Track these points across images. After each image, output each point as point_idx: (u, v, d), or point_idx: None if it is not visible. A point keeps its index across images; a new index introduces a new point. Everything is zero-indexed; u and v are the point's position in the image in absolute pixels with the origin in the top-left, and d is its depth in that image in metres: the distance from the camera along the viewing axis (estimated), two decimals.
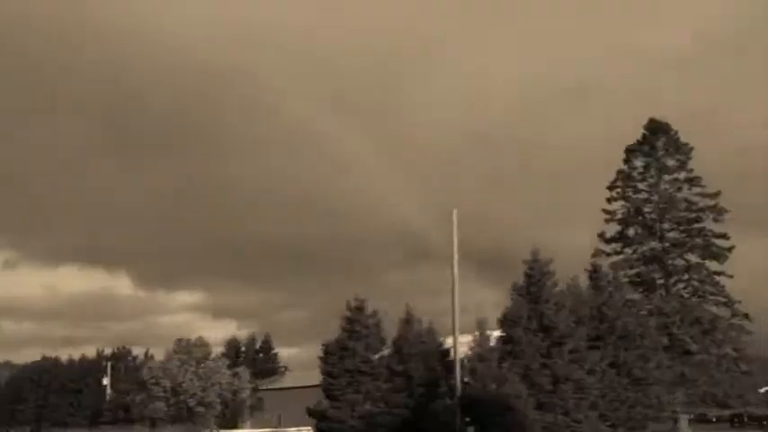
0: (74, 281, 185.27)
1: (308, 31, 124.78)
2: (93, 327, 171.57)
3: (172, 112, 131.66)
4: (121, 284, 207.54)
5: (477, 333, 30.28)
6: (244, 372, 54.16)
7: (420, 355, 32.00)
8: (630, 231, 43.73)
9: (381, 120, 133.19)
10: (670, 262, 43.00)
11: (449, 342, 31.51)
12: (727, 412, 60.74)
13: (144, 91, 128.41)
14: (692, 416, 41.76)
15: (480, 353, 29.83)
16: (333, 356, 32.94)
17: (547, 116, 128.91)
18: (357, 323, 33.25)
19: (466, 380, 29.64)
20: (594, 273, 36.17)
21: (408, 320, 33.25)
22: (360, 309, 33.82)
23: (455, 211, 30.58)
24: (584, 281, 35.97)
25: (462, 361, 29.87)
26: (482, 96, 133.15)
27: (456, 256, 29.94)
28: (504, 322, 32.07)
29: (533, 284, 32.89)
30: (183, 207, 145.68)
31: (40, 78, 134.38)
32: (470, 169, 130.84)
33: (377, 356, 33.15)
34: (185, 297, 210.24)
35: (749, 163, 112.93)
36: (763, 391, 73.83)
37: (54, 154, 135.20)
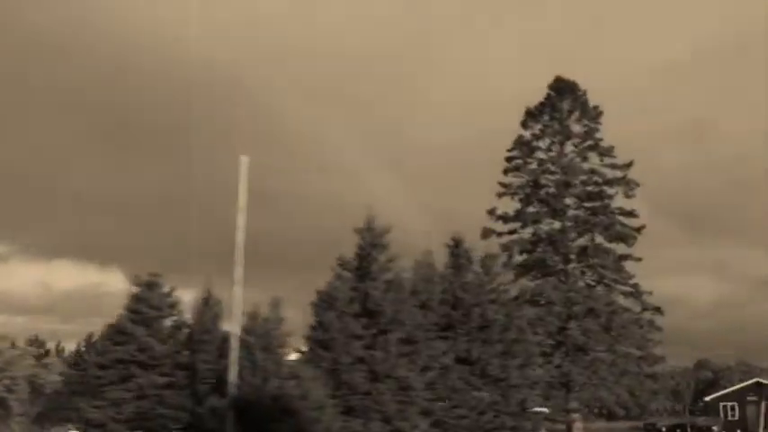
0: (66, 276, 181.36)
1: (305, 28, 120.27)
2: (84, 322, 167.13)
3: (167, 108, 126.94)
4: (114, 280, 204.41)
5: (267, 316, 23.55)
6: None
7: (214, 343, 25.37)
8: (527, 208, 37.11)
9: (374, 120, 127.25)
10: (570, 243, 36.43)
11: None
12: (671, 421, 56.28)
13: (138, 87, 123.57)
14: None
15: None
16: (108, 343, 26.26)
17: None
18: (144, 303, 26.50)
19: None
20: (456, 248, 29.47)
21: (206, 300, 26.58)
22: (152, 285, 27.06)
23: (244, 159, 23.62)
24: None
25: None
26: (479, 100, 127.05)
27: (243, 208, 23.04)
28: (317, 304, 25.51)
29: (363, 258, 26.39)
30: (177, 205, 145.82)
31: (34, 75, 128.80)
32: (465, 174, 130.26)
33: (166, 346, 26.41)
34: (179, 294, 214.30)
35: (743, 172, 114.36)
36: (708, 398, 67.53)
37: (47, 149, 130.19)
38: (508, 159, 37.78)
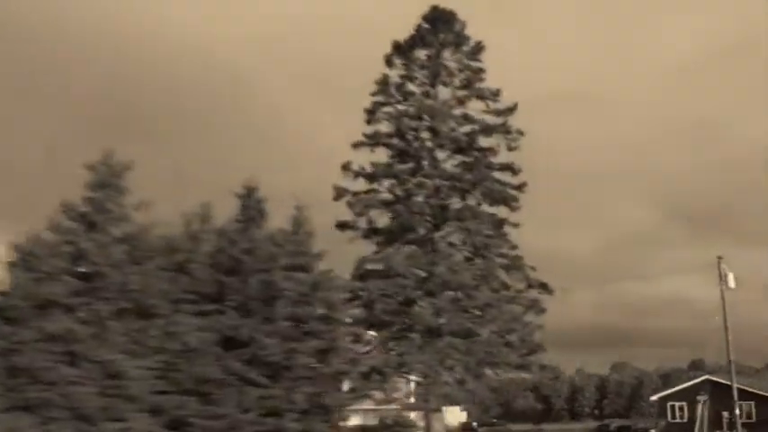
0: None
1: (303, 25, 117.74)
2: None
3: (160, 101, 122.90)
4: None
5: None
6: None
7: None
8: (388, 162, 30.53)
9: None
10: (438, 205, 29.79)
11: None
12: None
13: (130, 80, 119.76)
14: None
15: None
16: None
17: (546, 119, 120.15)
18: None
19: None
20: (247, 198, 22.82)
21: None
22: None
23: None
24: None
25: None
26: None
27: None
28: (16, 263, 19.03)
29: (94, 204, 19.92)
30: (168, 198, 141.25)
31: (26, 69, 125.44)
32: None
33: None
34: None
35: (751, 174, 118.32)
36: (655, 398, 60.82)
37: (40, 142, 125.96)
38: (370, 107, 31.10)
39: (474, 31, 30.31)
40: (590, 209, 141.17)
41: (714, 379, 52.52)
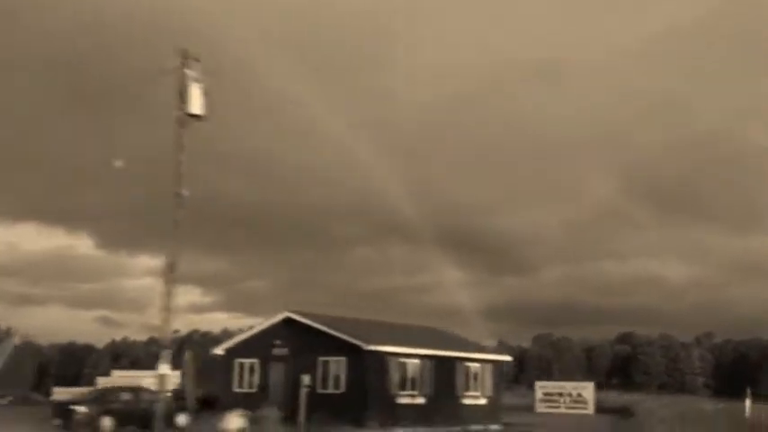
0: (33, 239, 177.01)
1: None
2: (52, 286, 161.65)
3: (135, 69, 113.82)
4: (83, 245, 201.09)
5: None
6: None
7: None
8: None
9: (350, 89, 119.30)
10: None
11: None
12: None
13: (106, 46, 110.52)
14: None
15: None
16: None
17: (518, 94, 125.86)
18: None
19: None
20: None
21: None
22: None
23: None
24: None
25: None
26: (455, 72, 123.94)
27: None
28: None
29: None
30: (144, 168, 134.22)
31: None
32: (440, 146, 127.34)
33: None
34: (148, 261, 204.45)
35: (716, 150, 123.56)
36: (220, 352, 44.82)
37: (13, 110, 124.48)
38: None
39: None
40: (559, 184, 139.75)
41: (301, 320, 36.87)
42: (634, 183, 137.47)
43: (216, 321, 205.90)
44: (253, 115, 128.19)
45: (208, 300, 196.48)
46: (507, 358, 44.50)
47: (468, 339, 44.09)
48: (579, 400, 48.15)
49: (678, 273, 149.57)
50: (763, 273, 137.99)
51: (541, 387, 51.44)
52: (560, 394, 49.17)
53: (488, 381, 36.91)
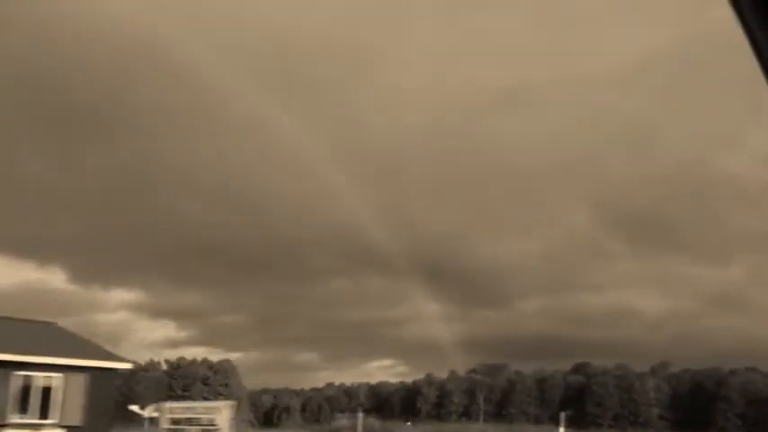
0: (2, 273, 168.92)
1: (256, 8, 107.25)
2: None
3: (101, 93, 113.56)
4: (55, 279, 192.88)
5: None
6: None
7: None
8: None
9: (318, 115, 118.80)
10: None
11: None
12: None
13: (69, 70, 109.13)
14: None
15: None
16: None
17: (488, 120, 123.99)
18: None
19: None
20: None
21: None
22: None
23: None
24: None
25: None
26: (424, 97, 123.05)
27: None
28: None
29: None
30: (117, 200, 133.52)
31: None
32: (410, 174, 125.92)
33: None
34: (122, 295, 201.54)
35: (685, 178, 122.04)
36: None
37: None
38: None
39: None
40: (533, 210, 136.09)
41: None
42: (606, 212, 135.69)
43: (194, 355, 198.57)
44: (224, 144, 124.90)
45: (183, 334, 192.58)
46: (124, 366, 33.28)
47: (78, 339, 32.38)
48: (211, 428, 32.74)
49: (650, 304, 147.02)
50: (733, 304, 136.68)
51: (169, 410, 35.75)
52: (189, 420, 33.80)
53: (76, 400, 26.56)
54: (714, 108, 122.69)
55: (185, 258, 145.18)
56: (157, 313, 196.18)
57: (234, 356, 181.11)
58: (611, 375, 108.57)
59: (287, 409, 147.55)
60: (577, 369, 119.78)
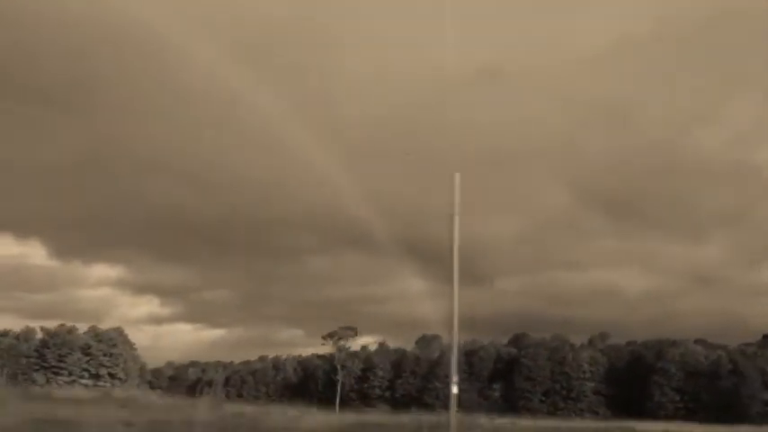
0: None
1: None
2: (4, 297, 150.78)
3: (76, 71, 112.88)
4: (35, 254, 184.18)
5: None
6: None
7: None
8: None
9: (303, 97, 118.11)
10: None
11: None
12: None
13: (43, 49, 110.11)
14: None
15: None
16: None
17: (464, 102, 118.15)
18: None
19: None
20: None
21: None
22: None
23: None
24: None
25: None
26: (399, 79, 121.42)
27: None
28: None
29: None
30: (95, 173, 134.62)
31: None
32: (392, 152, 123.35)
33: None
34: (104, 270, 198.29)
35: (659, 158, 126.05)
36: None
37: None
38: None
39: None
40: (511, 192, 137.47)
41: None
42: (583, 192, 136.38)
43: (179, 333, 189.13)
44: (206, 126, 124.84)
45: (167, 310, 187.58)
46: None
47: None
48: None
49: (629, 282, 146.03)
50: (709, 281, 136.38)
51: None
52: None
53: None
54: (687, 89, 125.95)
55: (167, 236, 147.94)
56: (141, 289, 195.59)
57: (218, 333, 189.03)
58: (544, 347, 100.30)
59: (209, 383, 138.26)
60: (516, 340, 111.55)
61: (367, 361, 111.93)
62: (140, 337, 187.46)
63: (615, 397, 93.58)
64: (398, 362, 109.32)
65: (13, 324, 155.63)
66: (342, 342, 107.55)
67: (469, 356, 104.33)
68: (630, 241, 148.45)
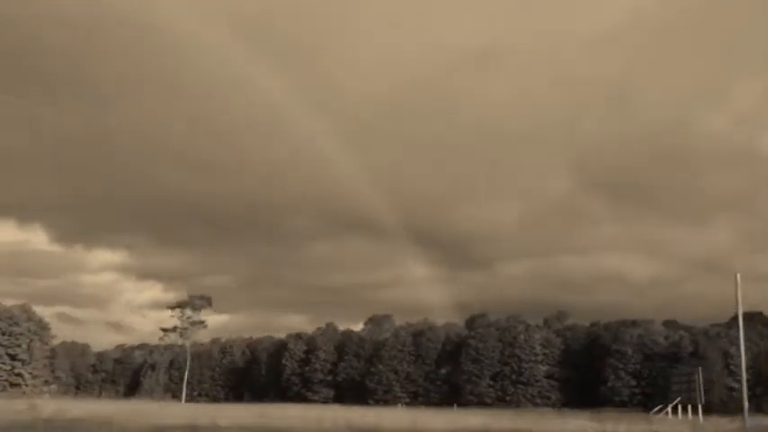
0: None
1: None
2: (7, 282, 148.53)
3: (77, 54, 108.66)
4: (37, 239, 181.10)
5: None
6: None
7: None
8: None
9: (303, 79, 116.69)
10: None
11: None
12: None
13: (55, 36, 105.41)
14: None
15: None
16: None
17: (464, 85, 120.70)
18: None
19: None
20: None
21: None
22: None
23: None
24: None
25: None
26: (397, 62, 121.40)
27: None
28: None
29: None
30: (95, 157, 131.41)
31: None
32: (393, 136, 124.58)
33: None
34: (106, 256, 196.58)
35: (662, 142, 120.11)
36: None
37: None
38: None
39: None
40: (512, 175, 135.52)
41: None
42: (585, 175, 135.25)
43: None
44: (208, 109, 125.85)
45: (170, 296, 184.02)
46: None
47: None
48: None
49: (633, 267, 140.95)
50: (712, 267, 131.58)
51: None
52: None
53: None
54: (690, 70, 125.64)
55: (170, 221, 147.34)
56: (144, 275, 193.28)
57: (221, 319, 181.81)
58: (495, 327, 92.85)
59: (152, 367, 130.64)
60: (472, 321, 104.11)
61: (310, 343, 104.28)
62: (143, 323, 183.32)
63: (570, 381, 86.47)
64: (343, 343, 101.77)
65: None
66: (189, 312, 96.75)
67: (417, 338, 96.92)
68: (633, 226, 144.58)
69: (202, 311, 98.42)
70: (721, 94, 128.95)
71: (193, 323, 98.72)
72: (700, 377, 44.91)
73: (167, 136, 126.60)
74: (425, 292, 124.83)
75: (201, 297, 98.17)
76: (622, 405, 75.40)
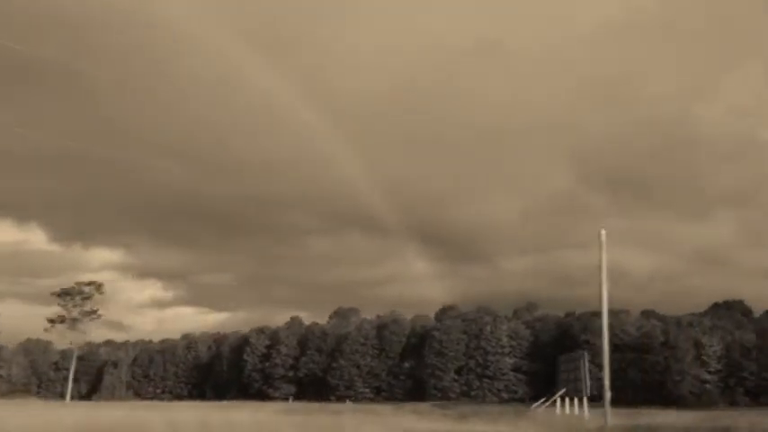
0: None
1: None
2: (6, 282, 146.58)
3: (75, 51, 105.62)
4: (35, 238, 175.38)
5: None
6: None
7: None
8: None
9: (303, 74, 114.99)
10: None
11: None
12: None
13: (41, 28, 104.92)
14: None
15: None
16: None
17: (463, 81, 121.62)
18: None
19: None
20: None
21: None
22: None
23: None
24: None
25: None
26: (395, 57, 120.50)
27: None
28: None
29: None
30: (93, 157, 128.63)
31: None
32: (393, 131, 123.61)
33: None
34: (105, 254, 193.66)
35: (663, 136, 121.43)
36: None
37: None
38: None
39: None
40: (513, 170, 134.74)
41: None
42: (586, 169, 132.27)
43: (182, 317, 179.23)
44: (207, 106, 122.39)
45: (170, 294, 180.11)
46: None
47: None
48: None
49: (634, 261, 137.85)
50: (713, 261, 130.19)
51: None
52: None
53: None
54: (691, 64, 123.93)
55: (169, 219, 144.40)
56: (143, 273, 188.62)
57: (222, 316, 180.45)
58: (461, 319, 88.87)
59: (114, 364, 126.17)
60: (442, 313, 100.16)
61: (273, 337, 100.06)
62: (143, 322, 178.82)
63: (538, 374, 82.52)
64: (305, 337, 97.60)
65: (20, 310, 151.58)
66: (78, 301, 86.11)
67: (381, 330, 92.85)
68: (634, 220, 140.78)
69: (94, 299, 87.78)
70: (721, 86, 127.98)
71: (84, 313, 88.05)
72: (585, 364, 39.54)
73: (166, 133, 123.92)
74: (427, 289, 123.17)
75: (90, 283, 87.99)
76: (589, 400, 71.55)
